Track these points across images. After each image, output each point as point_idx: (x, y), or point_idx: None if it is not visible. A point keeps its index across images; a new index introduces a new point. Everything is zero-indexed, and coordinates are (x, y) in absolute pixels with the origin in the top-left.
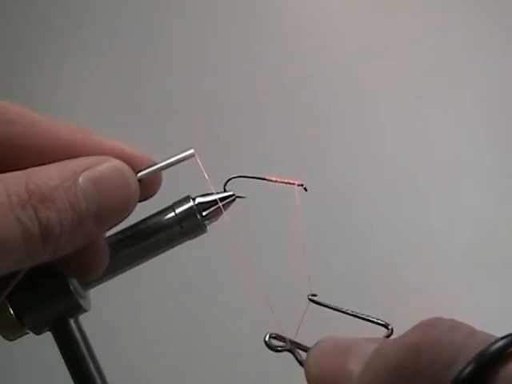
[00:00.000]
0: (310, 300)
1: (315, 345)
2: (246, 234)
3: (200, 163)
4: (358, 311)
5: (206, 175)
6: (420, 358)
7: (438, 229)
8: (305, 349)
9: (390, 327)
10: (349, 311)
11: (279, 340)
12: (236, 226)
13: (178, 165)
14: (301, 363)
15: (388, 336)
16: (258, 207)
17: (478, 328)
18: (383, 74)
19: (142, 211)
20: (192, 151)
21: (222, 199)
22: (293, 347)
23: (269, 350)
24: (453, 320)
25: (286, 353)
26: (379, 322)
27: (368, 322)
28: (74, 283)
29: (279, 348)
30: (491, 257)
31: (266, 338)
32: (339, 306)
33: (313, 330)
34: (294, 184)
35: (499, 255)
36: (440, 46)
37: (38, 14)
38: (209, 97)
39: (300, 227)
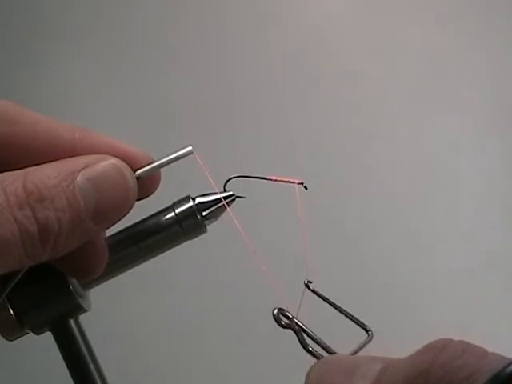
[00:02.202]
0: (306, 286)
1: (317, 363)
2: (244, 234)
3: (199, 160)
4: (346, 308)
5: (206, 171)
6: (430, 382)
7: (438, 228)
8: (309, 334)
9: (370, 332)
10: (337, 306)
11: (286, 318)
12: (236, 225)
13: (178, 164)
14: (303, 345)
15: (368, 341)
16: (259, 207)
17: (478, 329)
18: (384, 74)
19: (142, 211)
20: (190, 148)
21: (221, 199)
22: (299, 329)
23: (267, 349)
24: (463, 342)
25: (284, 356)
26: (362, 324)
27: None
28: (74, 283)
29: (284, 323)
30: (492, 257)
31: (275, 312)
32: (330, 299)
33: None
34: (294, 183)
35: (500, 255)
36: (440, 46)
37: (37, 13)
38: (209, 96)
39: (301, 224)
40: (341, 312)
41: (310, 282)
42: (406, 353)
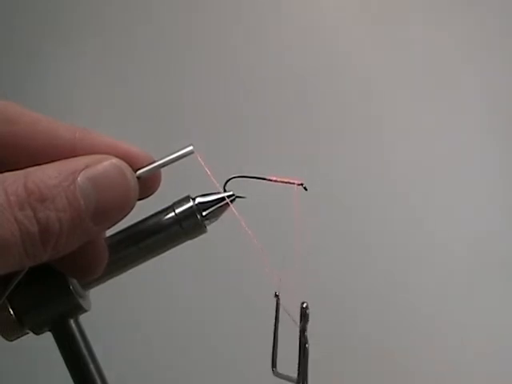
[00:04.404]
0: (276, 296)
1: None
2: (246, 233)
3: (200, 159)
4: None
5: (207, 171)
6: None
7: (437, 229)
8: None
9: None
10: (276, 328)
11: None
12: (236, 225)
13: (178, 164)
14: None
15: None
16: (259, 207)
17: (478, 328)
18: (383, 73)
19: (142, 211)
20: (191, 148)
21: (221, 199)
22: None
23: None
24: None
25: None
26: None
27: None
28: (74, 283)
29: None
30: (491, 257)
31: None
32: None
33: None
34: (293, 183)
35: (500, 255)
36: (440, 45)
37: (38, 14)
38: (209, 96)
39: (300, 225)
40: (274, 336)
41: (278, 295)
42: (406, 353)
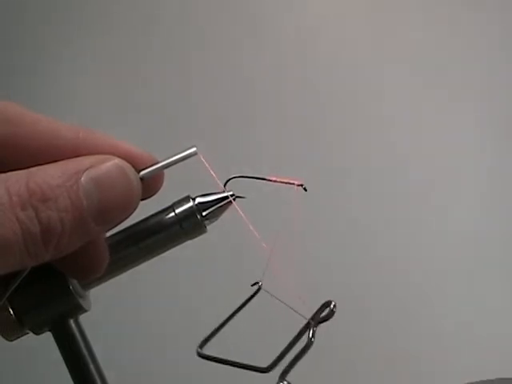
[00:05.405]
0: (256, 284)
1: None
2: (245, 233)
3: (204, 160)
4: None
5: (211, 171)
6: None
7: (437, 229)
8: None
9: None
10: (229, 317)
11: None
12: (236, 225)
13: (179, 164)
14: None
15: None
16: (258, 207)
17: (479, 327)
18: (384, 73)
19: (142, 211)
20: (194, 149)
21: (221, 199)
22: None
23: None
24: None
25: None
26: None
27: None
28: (73, 283)
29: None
30: (491, 256)
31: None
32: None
33: None
34: (293, 184)
35: (499, 255)
36: (440, 46)
37: (37, 14)
38: (209, 96)
39: (298, 226)
40: (227, 319)
41: (256, 283)
42: (406, 352)
